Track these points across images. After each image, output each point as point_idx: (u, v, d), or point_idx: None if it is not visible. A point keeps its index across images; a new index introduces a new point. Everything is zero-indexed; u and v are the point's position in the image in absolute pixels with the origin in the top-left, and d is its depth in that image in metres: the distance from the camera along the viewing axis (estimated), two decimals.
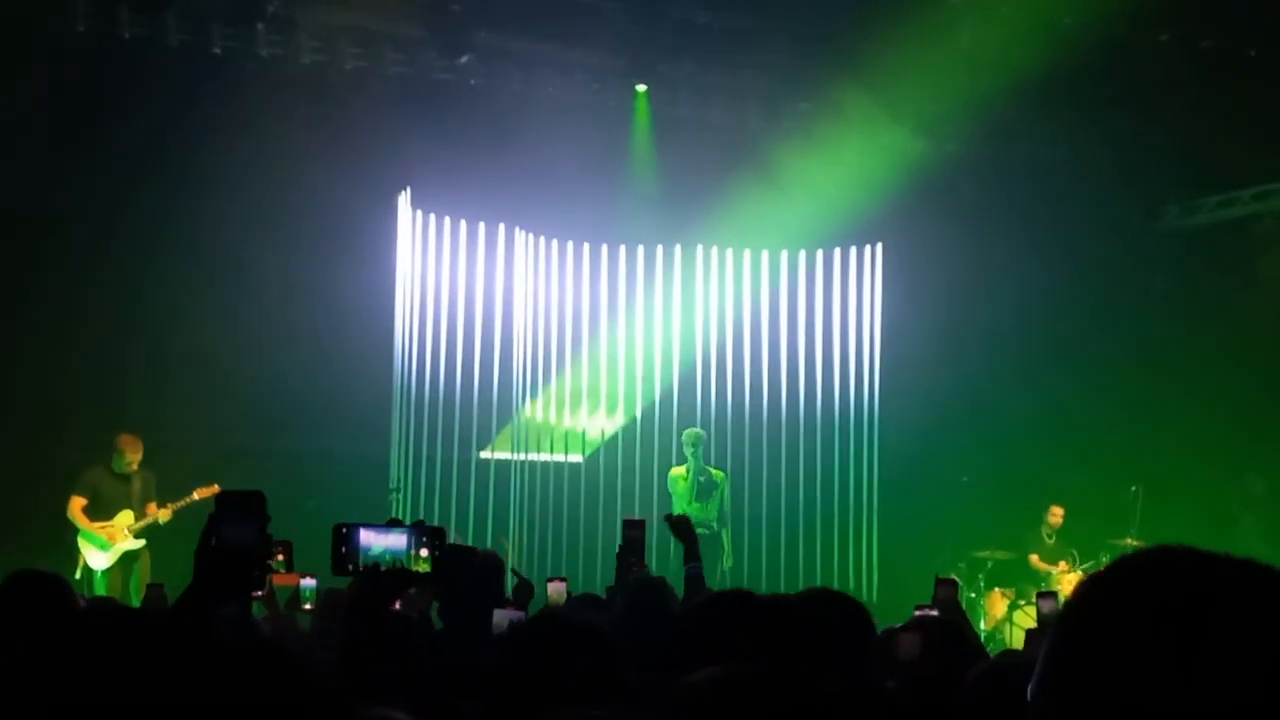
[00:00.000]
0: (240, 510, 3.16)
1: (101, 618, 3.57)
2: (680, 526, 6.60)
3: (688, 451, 13.68)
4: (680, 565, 6.43)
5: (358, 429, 13.81)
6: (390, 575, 3.52)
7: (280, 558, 4.66)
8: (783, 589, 13.48)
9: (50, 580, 4.80)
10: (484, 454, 14.26)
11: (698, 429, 14.21)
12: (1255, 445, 14.54)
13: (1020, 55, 13.95)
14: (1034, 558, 14.32)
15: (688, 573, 6.36)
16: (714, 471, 13.81)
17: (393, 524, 3.65)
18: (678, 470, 13.63)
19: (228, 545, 3.12)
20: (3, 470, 12.37)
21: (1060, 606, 6.39)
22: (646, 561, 6.50)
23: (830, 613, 4.11)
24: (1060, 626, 1.46)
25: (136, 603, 11.03)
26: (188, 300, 13.21)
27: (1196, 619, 1.36)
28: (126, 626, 3.29)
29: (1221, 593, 1.38)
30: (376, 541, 3.55)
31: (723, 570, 13.58)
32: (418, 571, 3.55)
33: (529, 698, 3.06)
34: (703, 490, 13.55)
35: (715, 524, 13.62)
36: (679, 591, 5.94)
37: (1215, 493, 14.72)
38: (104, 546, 12.00)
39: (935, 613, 6.15)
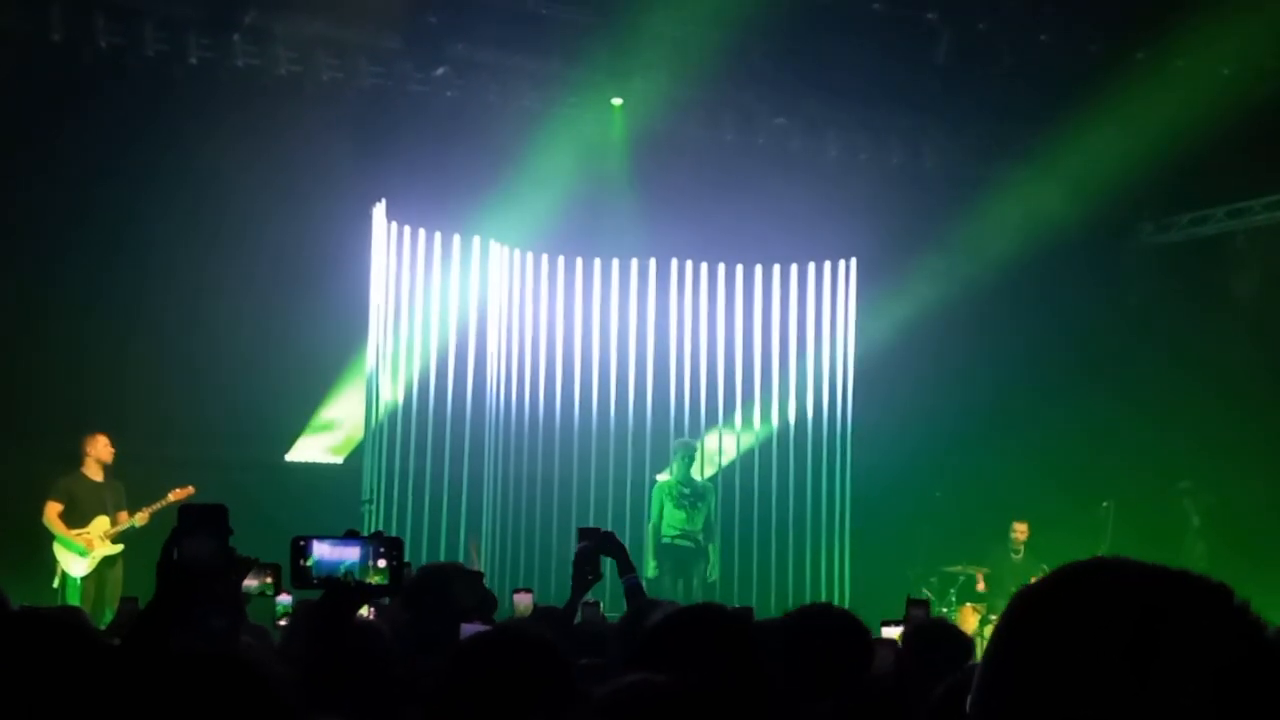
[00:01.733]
0: (202, 524, 3.15)
1: (37, 624, 3.52)
2: (607, 543, 6.50)
3: (677, 460, 13.68)
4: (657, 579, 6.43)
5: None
6: (346, 589, 3.51)
7: (269, 579, 4.60)
8: (754, 602, 13.50)
9: None
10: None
11: (689, 439, 14.24)
12: (1222, 462, 14.56)
13: (992, 72, 14.04)
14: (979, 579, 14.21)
15: (626, 585, 6.34)
16: (701, 483, 13.84)
17: (350, 535, 3.64)
18: (665, 478, 13.65)
19: (188, 560, 3.11)
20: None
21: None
22: (602, 571, 6.46)
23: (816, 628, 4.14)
24: (1000, 639, 1.46)
25: (110, 612, 10.98)
26: (158, 310, 13.18)
27: (1146, 634, 1.36)
28: (70, 638, 3.26)
29: (1167, 607, 1.38)
30: (332, 554, 3.54)
31: (708, 583, 13.60)
32: (373, 584, 3.53)
33: (480, 710, 3.06)
34: (687, 500, 13.56)
35: (701, 536, 13.63)
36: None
37: (1183, 510, 14.76)
38: (82, 553, 11.93)
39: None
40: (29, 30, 12.52)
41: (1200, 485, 14.49)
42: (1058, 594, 1.44)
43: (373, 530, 13.02)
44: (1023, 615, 1.45)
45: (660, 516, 13.57)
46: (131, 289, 13.11)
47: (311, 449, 14.10)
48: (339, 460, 14.17)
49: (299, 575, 3.54)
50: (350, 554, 3.53)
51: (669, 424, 15.07)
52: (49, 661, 2.86)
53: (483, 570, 8.28)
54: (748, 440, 15.37)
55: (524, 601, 6.91)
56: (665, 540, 13.52)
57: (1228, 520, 14.31)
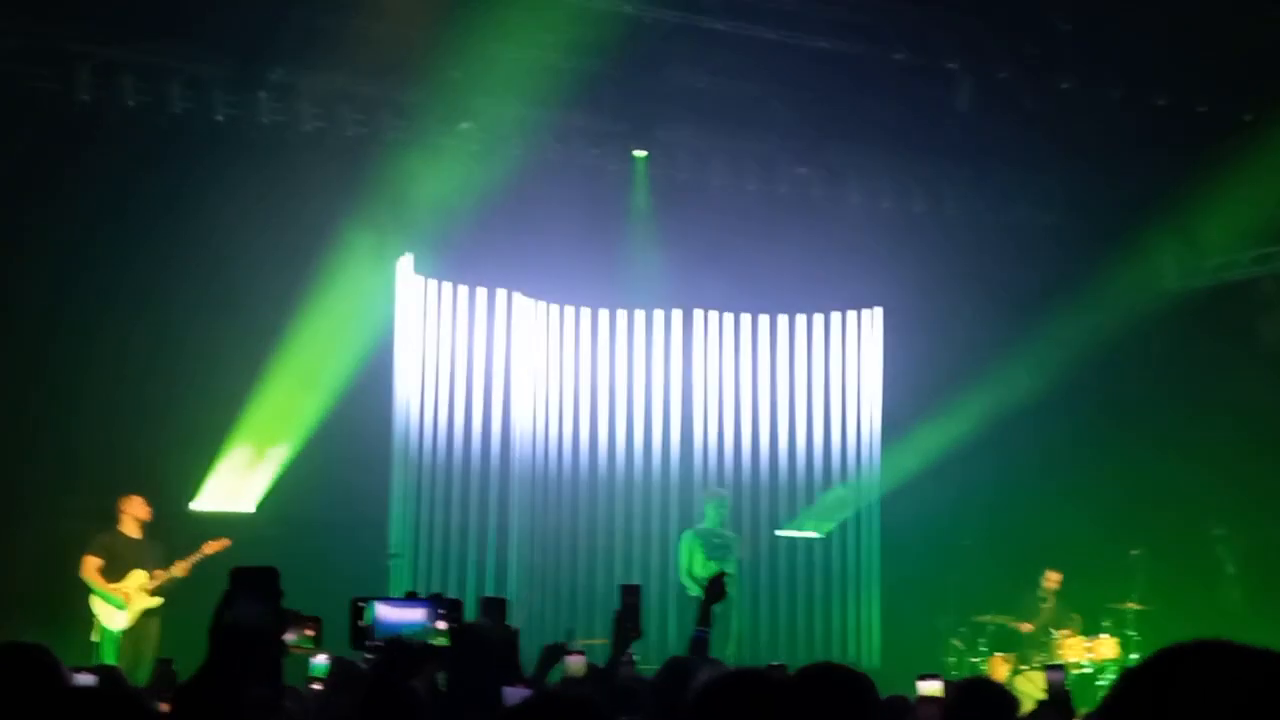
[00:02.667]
0: (254, 587, 3.13)
1: (97, 700, 3.47)
2: (714, 586, 6.58)
3: (709, 509, 13.69)
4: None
5: (357, 494, 13.76)
6: (409, 651, 3.49)
7: (309, 633, 4.50)
8: (781, 654, 13.45)
9: (35, 653, 4.58)
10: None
11: (720, 488, 14.22)
12: (1255, 508, 14.46)
13: (1013, 120, 14.06)
14: (1024, 626, 14.14)
15: (695, 635, 6.38)
16: (730, 533, 13.82)
17: (410, 597, 3.61)
18: (702, 529, 13.72)
19: (241, 624, 3.09)
20: (12, 544, 12.34)
21: (1065, 684, 6.34)
22: (644, 628, 6.46)
23: (833, 690, 4.09)
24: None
25: (146, 669, 10.97)
26: (182, 367, 13.19)
27: None
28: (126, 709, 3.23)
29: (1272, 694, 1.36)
30: (393, 615, 3.51)
31: (739, 631, 13.55)
32: (436, 646, 3.50)
33: None
34: (719, 550, 13.49)
35: (733, 591, 13.55)
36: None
37: (1213, 556, 14.66)
38: (120, 606, 11.96)
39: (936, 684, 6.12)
40: (57, 90, 12.60)
41: (1234, 531, 14.40)
42: (1161, 684, 1.41)
43: (403, 585, 13.03)
44: (1125, 706, 1.42)
45: (691, 566, 13.53)
46: (157, 345, 13.12)
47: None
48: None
49: (358, 635, 3.51)
50: (414, 616, 3.51)
51: (696, 475, 15.05)
52: None
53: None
54: (774, 489, 15.32)
55: (576, 663, 6.83)
56: (696, 594, 13.45)
57: (1263, 566, 14.20)
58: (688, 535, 13.82)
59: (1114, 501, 15.06)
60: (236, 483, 13.31)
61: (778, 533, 14.31)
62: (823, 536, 15.31)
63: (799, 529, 15.22)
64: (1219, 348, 15.37)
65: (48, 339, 12.83)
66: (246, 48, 13.02)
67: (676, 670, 5.85)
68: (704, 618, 6.32)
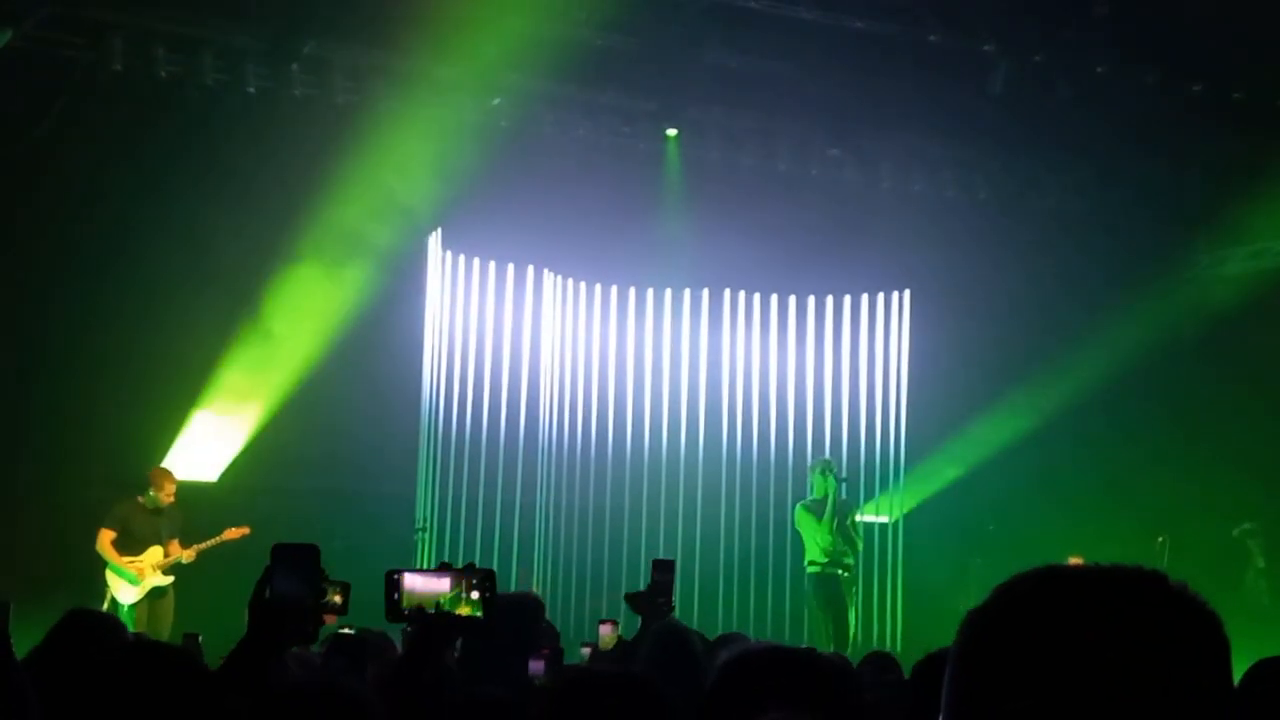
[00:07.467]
0: (294, 564, 3.15)
1: (152, 656, 3.51)
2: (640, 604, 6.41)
3: (820, 479, 12.93)
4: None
5: (384, 468, 13.80)
6: (442, 622, 3.49)
7: (337, 599, 4.50)
8: (804, 636, 13.43)
9: (107, 620, 4.82)
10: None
11: (827, 457, 13.72)
12: None
13: (1047, 103, 14.00)
14: None
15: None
16: (848, 504, 13.25)
17: (443, 568, 3.61)
18: (811, 501, 12.96)
19: (281, 599, 3.11)
20: (31, 510, 12.41)
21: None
22: (674, 603, 6.40)
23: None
24: (954, 665, 1.43)
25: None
26: (215, 338, 13.24)
27: (1085, 644, 1.35)
28: (185, 670, 3.26)
29: (1105, 612, 1.37)
30: (426, 586, 3.51)
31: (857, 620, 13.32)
32: (469, 616, 3.50)
33: None
34: (843, 523, 12.92)
35: (853, 563, 13.04)
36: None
37: (1241, 548, 14.61)
38: (134, 581, 11.98)
39: None
40: (91, 60, 12.64)
41: (1265, 525, 14.36)
42: (998, 617, 1.41)
43: (429, 559, 13.08)
44: (971, 642, 1.42)
45: (813, 542, 12.82)
46: (186, 316, 13.17)
47: None
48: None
49: (393, 609, 3.51)
50: (442, 586, 3.50)
51: (720, 454, 15.06)
52: (165, 693, 2.87)
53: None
54: (800, 471, 15.29)
55: (606, 632, 6.84)
56: (813, 571, 12.86)
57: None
58: (801, 510, 13.06)
59: (1139, 490, 15.01)
60: (265, 455, 13.38)
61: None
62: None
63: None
64: (1250, 334, 15.30)
65: (80, 307, 12.87)
66: (279, 20, 13.04)
67: (671, 636, 5.82)
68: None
